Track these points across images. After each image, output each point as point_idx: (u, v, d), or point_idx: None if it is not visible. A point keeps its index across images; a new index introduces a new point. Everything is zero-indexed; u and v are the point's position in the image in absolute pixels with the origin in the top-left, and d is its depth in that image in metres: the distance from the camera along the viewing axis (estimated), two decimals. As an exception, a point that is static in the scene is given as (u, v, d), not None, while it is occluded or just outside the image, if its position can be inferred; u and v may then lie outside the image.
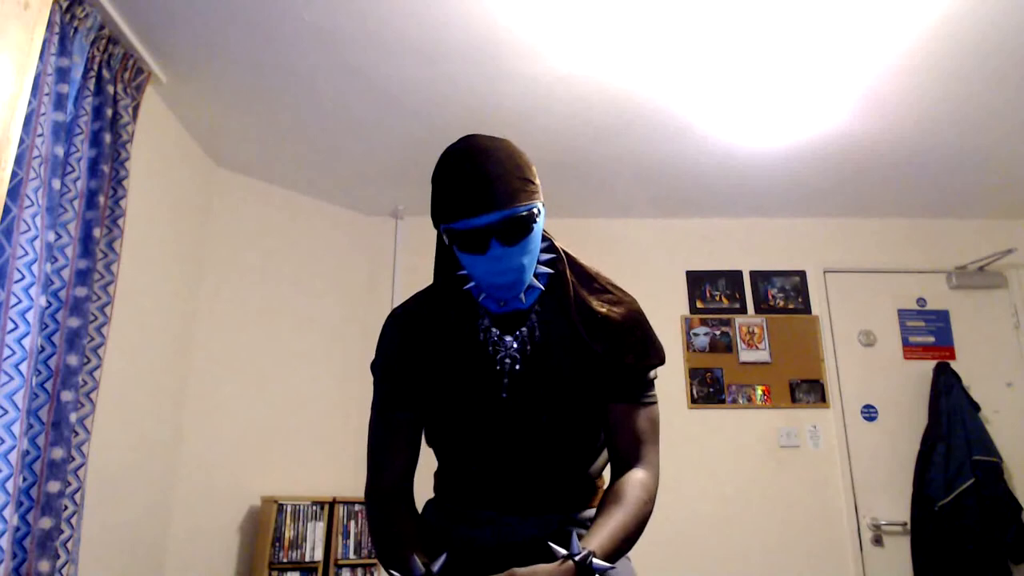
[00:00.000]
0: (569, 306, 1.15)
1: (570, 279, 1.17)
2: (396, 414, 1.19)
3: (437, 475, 1.28)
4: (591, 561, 0.93)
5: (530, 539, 1.13)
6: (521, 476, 1.16)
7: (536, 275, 1.16)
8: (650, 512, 1.09)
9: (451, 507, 1.23)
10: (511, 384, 1.15)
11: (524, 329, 1.16)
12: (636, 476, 1.11)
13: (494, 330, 1.17)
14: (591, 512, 1.20)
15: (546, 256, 1.17)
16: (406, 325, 1.21)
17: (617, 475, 1.13)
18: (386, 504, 1.15)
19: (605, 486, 1.28)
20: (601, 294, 1.18)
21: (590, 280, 1.19)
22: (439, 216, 1.09)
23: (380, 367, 1.22)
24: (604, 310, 1.15)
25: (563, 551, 0.94)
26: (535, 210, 1.08)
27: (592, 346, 1.13)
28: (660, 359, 1.18)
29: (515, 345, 1.15)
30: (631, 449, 1.14)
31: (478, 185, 1.02)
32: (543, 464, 1.16)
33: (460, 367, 1.16)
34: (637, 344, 1.15)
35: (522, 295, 1.14)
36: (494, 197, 1.02)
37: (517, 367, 1.15)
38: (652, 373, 1.19)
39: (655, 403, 1.19)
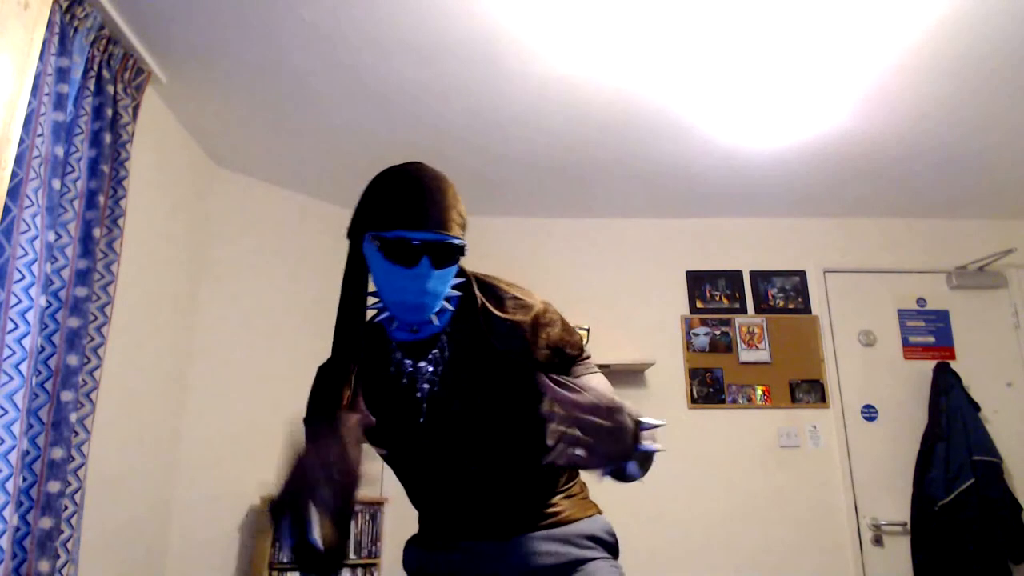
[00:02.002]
0: (478, 321, 1.16)
1: (478, 296, 1.19)
2: None
3: (419, 516, 1.30)
4: (640, 419, 0.96)
5: (535, 567, 1.14)
6: (477, 496, 1.17)
7: (447, 299, 1.17)
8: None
9: (431, 543, 1.24)
10: (432, 408, 1.16)
11: (436, 351, 1.17)
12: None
13: (407, 361, 1.18)
14: (581, 526, 1.20)
15: (456, 280, 1.18)
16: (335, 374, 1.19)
17: None
18: None
19: (585, 493, 1.27)
20: (507, 302, 1.20)
21: (496, 292, 1.21)
22: (376, 222, 1.10)
23: (314, 418, 1.20)
24: (511, 317, 1.16)
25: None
26: (465, 247, 1.12)
27: (504, 353, 1.14)
28: (576, 350, 1.20)
29: (430, 368, 1.17)
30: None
31: (429, 203, 1.08)
32: (491, 479, 1.17)
33: (383, 405, 1.17)
34: (550, 341, 1.16)
35: (435, 317, 1.14)
36: (440, 218, 1.08)
37: (436, 388, 1.16)
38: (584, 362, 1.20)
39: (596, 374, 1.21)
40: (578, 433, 0.89)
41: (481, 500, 1.17)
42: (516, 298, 1.20)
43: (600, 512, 1.26)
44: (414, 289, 1.09)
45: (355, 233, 1.16)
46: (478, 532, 1.17)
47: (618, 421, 0.92)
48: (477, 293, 1.19)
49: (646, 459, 0.99)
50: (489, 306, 1.18)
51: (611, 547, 1.23)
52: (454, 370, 1.16)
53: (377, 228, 1.10)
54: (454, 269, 1.13)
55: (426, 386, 1.16)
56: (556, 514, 1.19)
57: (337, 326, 1.16)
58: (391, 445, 1.19)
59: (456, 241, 1.10)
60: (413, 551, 1.27)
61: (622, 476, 0.98)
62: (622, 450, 0.93)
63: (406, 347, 1.19)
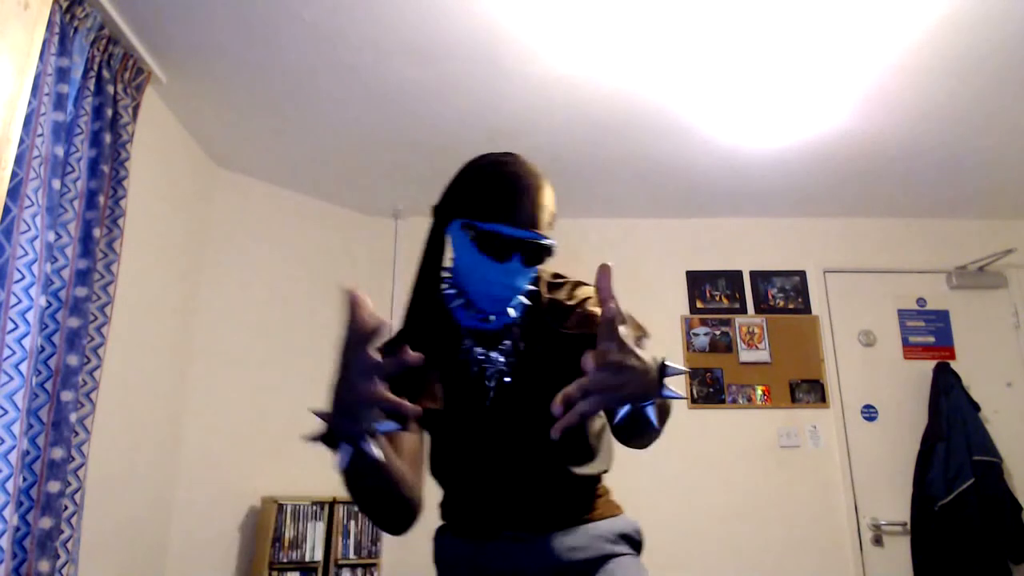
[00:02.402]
0: (545, 314, 1.18)
1: (544, 291, 1.21)
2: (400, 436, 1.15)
3: (443, 505, 1.28)
4: (665, 361, 0.86)
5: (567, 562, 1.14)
6: (528, 489, 1.17)
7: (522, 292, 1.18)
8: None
9: (467, 532, 1.23)
10: (501, 397, 1.16)
11: (508, 342, 1.18)
12: None
13: (478, 349, 1.18)
14: (613, 524, 1.21)
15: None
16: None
17: None
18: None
19: (610, 493, 1.28)
20: (567, 290, 1.22)
21: (558, 283, 1.23)
22: (472, 211, 1.10)
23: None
24: (574, 303, 1.18)
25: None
26: (554, 248, 1.13)
27: (571, 334, 1.14)
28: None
29: (501, 359, 1.17)
30: None
31: (528, 200, 1.09)
32: (545, 473, 1.17)
33: (447, 390, 1.17)
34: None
35: (512, 310, 1.16)
36: (536, 218, 1.10)
37: (507, 379, 1.16)
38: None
39: None
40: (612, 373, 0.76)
41: (530, 492, 1.17)
42: (575, 288, 1.21)
43: (623, 512, 1.28)
44: (501, 283, 1.10)
45: (444, 214, 1.16)
46: (520, 523, 1.17)
47: (644, 355, 0.81)
48: (543, 288, 1.21)
49: (664, 411, 0.94)
50: (555, 296, 1.20)
51: (637, 545, 1.25)
52: (528, 363, 1.16)
53: (473, 217, 1.10)
54: (537, 268, 1.14)
55: (498, 376, 1.16)
56: (591, 511, 1.21)
57: (412, 301, 1.18)
58: (448, 429, 1.18)
59: (551, 243, 1.11)
60: (447, 539, 1.26)
61: (640, 423, 0.87)
62: (649, 383, 0.81)
63: (476, 334, 1.18)
